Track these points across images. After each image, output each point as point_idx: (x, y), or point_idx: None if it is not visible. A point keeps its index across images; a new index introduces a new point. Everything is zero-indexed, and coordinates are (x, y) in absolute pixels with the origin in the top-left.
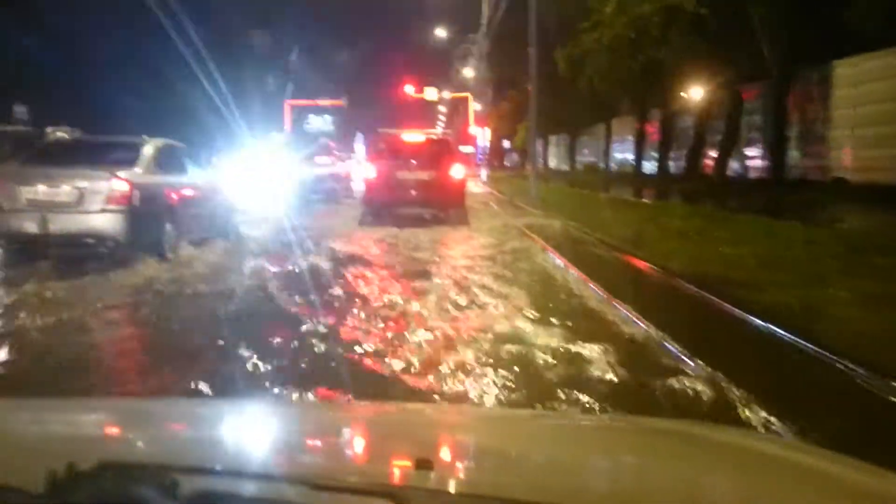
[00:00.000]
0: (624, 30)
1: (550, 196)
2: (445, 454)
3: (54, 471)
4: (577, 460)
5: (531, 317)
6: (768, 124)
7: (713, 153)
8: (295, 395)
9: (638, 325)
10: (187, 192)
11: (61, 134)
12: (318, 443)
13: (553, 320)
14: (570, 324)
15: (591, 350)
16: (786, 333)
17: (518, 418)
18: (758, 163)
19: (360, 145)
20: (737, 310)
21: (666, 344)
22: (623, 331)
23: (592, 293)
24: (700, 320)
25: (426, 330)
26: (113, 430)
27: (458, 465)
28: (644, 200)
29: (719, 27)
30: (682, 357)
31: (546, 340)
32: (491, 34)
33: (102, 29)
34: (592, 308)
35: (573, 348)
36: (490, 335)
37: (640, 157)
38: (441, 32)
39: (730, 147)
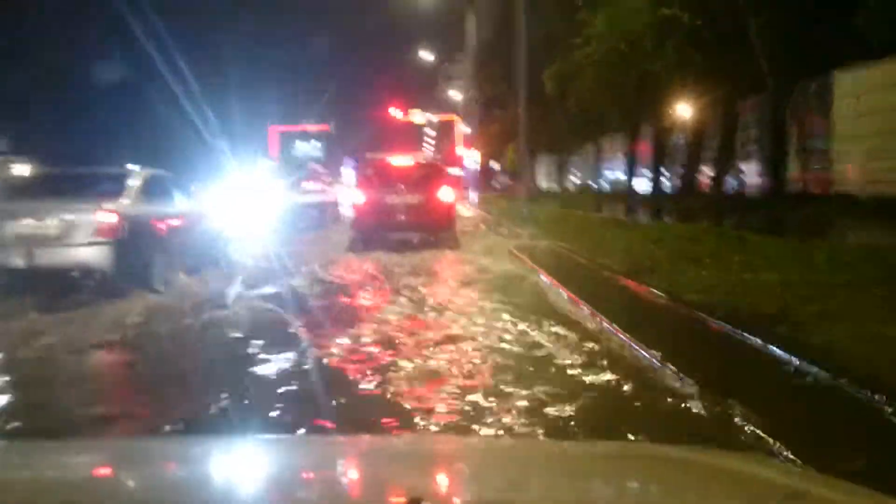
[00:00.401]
0: (617, 43)
1: (544, 217)
2: (437, 489)
3: None
4: (573, 491)
5: (544, 373)
6: (766, 138)
7: (708, 169)
8: (284, 432)
9: (682, 384)
10: (176, 222)
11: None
12: (309, 479)
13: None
14: (594, 385)
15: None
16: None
17: (509, 448)
18: (755, 178)
19: (348, 170)
20: (795, 359)
21: (737, 421)
22: (663, 392)
23: (612, 335)
24: (755, 373)
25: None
26: (103, 472)
27: (451, 499)
28: (642, 220)
29: (715, 39)
30: (760, 436)
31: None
32: (477, 54)
33: (85, 60)
34: (616, 354)
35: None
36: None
37: (632, 175)
38: (427, 55)
39: (726, 162)
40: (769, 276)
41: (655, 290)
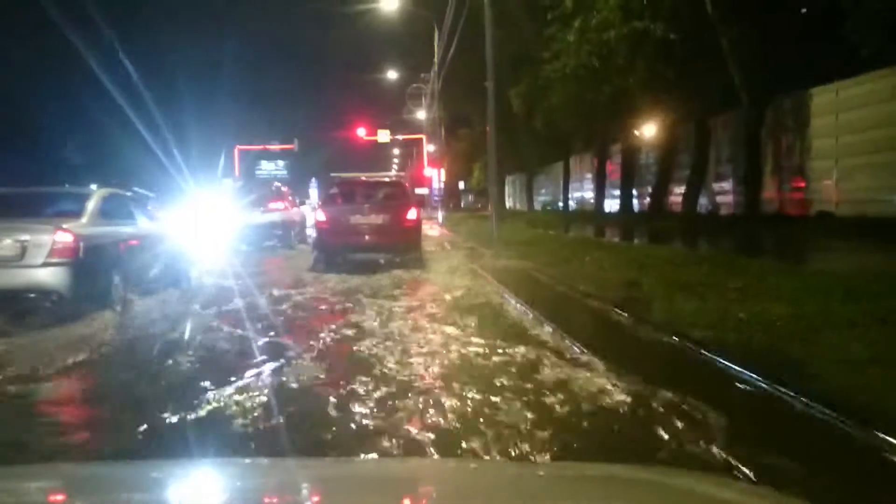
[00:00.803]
0: (588, 58)
1: (514, 237)
2: None
3: None
4: None
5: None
6: (740, 156)
7: (679, 189)
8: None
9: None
10: (136, 242)
11: None
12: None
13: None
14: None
15: None
16: None
17: (481, 470)
18: (728, 198)
19: (314, 190)
20: (857, 429)
21: None
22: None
23: (610, 387)
24: (806, 441)
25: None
26: (58, 498)
27: None
28: (616, 241)
29: (687, 53)
30: None
31: None
32: (443, 74)
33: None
34: (626, 418)
35: None
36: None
37: (601, 194)
38: (393, 74)
39: (699, 181)
40: (776, 307)
41: (648, 323)
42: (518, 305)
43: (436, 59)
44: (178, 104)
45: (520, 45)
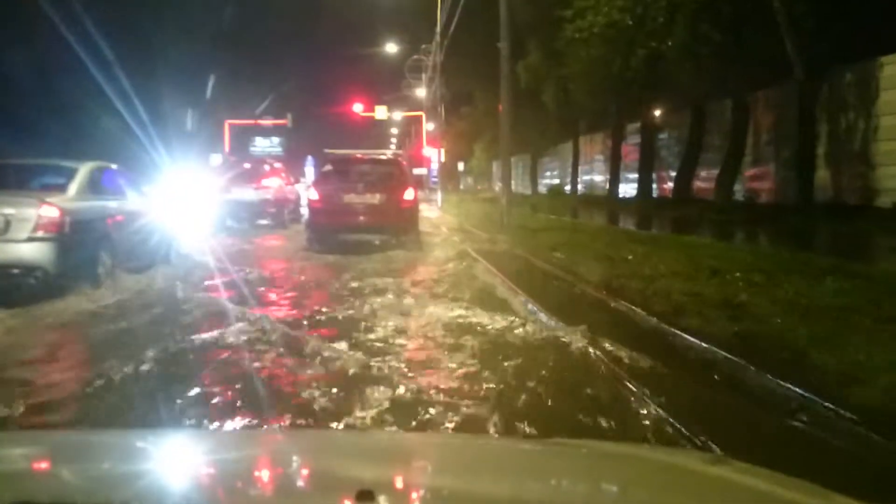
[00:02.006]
0: (620, 15)
1: (527, 224)
2: (388, 484)
3: None
4: (527, 487)
5: None
6: (784, 137)
7: (705, 173)
8: (227, 424)
9: None
10: (124, 218)
11: None
12: (254, 474)
13: None
14: None
15: None
16: None
17: (463, 444)
18: (766, 184)
19: (310, 168)
20: None
21: None
22: None
23: None
24: None
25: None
26: (36, 465)
27: (402, 496)
28: (654, 233)
29: (734, 15)
30: None
31: None
32: (445, 46)
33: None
34: None
35: None
36: None
37: (615, 178)
38: (392, 48)
39: (735, 165)
40: None
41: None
42: (597, 354)
43: (438, 29)
44: (165, 78)
45: (530, 12)
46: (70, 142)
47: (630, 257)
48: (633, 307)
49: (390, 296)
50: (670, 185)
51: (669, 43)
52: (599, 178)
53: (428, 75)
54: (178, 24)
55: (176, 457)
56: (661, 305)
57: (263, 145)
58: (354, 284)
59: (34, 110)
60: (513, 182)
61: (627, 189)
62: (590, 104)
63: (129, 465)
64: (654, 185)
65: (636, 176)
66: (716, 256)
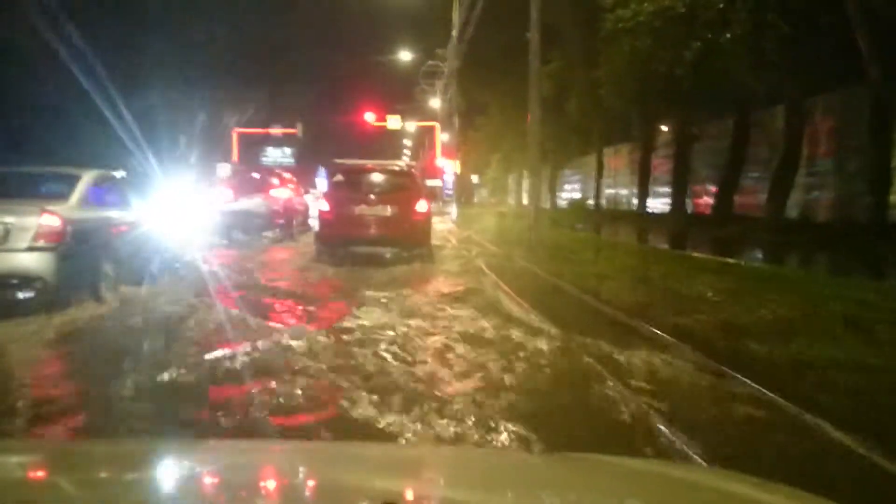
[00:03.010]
0: (672, 1)
1: (559, 242)
2: (412, 495)
3: None
4: (547, 500)
5: None
6: (848, 148)
7: (750, 186)
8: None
9: None
10: (128, 228)
11: None
12: (279, 485)
13: None
14: None
15: None
16: None
17: (485, 458)
18: (824, 200)
19: (321, 179)
20: None
21: None
22: None
23: None
24: None
25: None
26: (38, 474)
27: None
28: (709, 255)
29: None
30: None
31: None
32: (462, 53)
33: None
34: None
35: None
36: None
37: (644, 192)
38: (406, 55)
39: (789, 179)
40: None
41: None
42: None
43: (454, 33)
44: (173, 85)
45: (554, 14)
46: (72, 151)
47: (711, 295)
48: (820, 420)
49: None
50: (706, 199)
51: (728, 35)
52: (624, 191)
53: (443, 81)
54: (182, 33)
55: (196, 468)
56: (840, 405)
57: (275, 156)
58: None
59: (35, 121)
60: (526, 195)
61: (656, 204)
62: (622, 109)
63: (152, 475)
64: (687, 200)
65: (666, 190)
66: (828, 296)
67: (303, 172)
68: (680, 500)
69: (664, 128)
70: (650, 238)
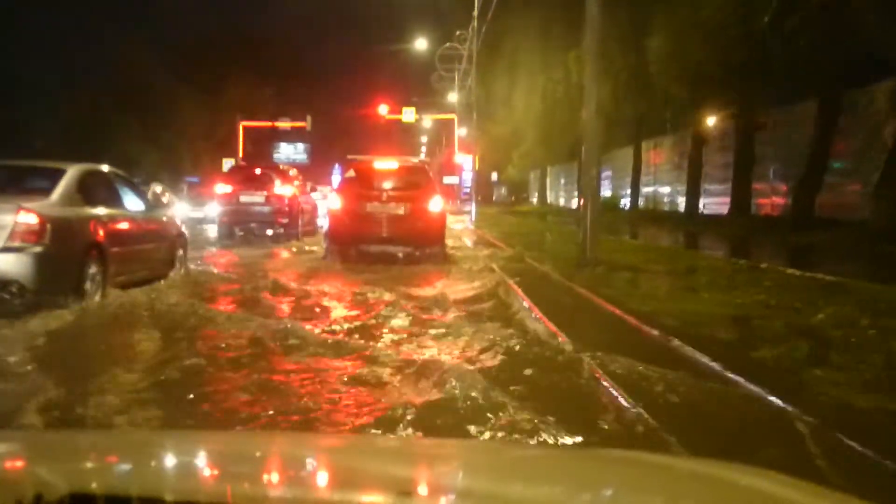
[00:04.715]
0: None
1: (628, 262)
2: (427, 486)
3: (20, 502)
4: (562, 494)
5: None
6: None
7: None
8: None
9: None
10: (120, 226)
11: None
12: (294, 475)
13: None
14: None
15: None
16: None
17: (500, 450)
18: None
19: (337, 177)
20: None
21: None
22: None
23: None
24: None
25: None
26: (83, 463)
27: (441, 497)
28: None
29: None
30: None
31: None
32: (481, 37)
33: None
34: None
35: None
36: None
37: (694, 190)
38: (423, 43)
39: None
40: None
41: None
42: None
43: (475, 13)
44: (179, 75)
45: None
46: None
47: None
48: None
49: None
50: (774, 199)
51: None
52: (665, 189)
53: (462, 66)
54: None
55: (205, 459)
56: None
57: (288, 152)
58: None
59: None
60: (551, 193)
61: (707, 204)
62: (674, 92)
63: (167, 463)
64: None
65: (718, 188)
66: None
67: (318, 170)
68: (713, 498)
69: (709, 119)
70: (746, 251)
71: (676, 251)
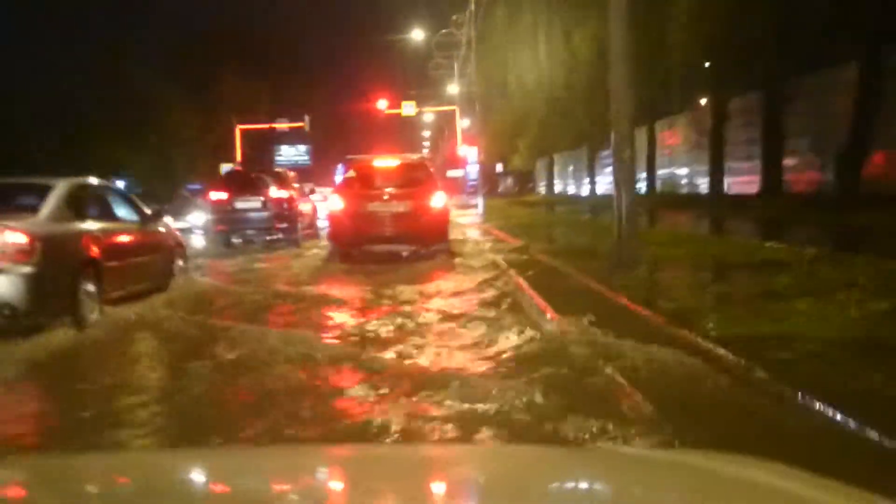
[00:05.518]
0: None
1: (665, 251)
2: (435, 497)
3: None
4: (571, 497)
5: None
6: None
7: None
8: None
9: None
10: (113, 240)
11: None
12: (292, 491)
13: None
14: None
15: None
16: None
17: (506, 455)
18: None
19: (340, 177)
20: None
21: None
22: None
23: None
24: None
25: None
26: (84, 486)
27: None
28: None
29: None
30: None
31: None
32: (478, 17)
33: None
34: None
35: None
36: None
37: (717, 169)
38: (420, 33)
39: None
40: None
41: None
42: None
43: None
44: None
45: None
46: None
47: None
48: None
49: None
50: (810, 175)
51: None
52: (683, 171)
53: (461, 53)
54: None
55: (212, 474)
56: None
57: (290, 154)
58: None
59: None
60: (561, 183)
61: (731, 184)
62: (695, 63)
63: (159, 486)
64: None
65: (743, 166)
66: None
67: (319, 171)
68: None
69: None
70: (784, 234)
71: (719, 240)
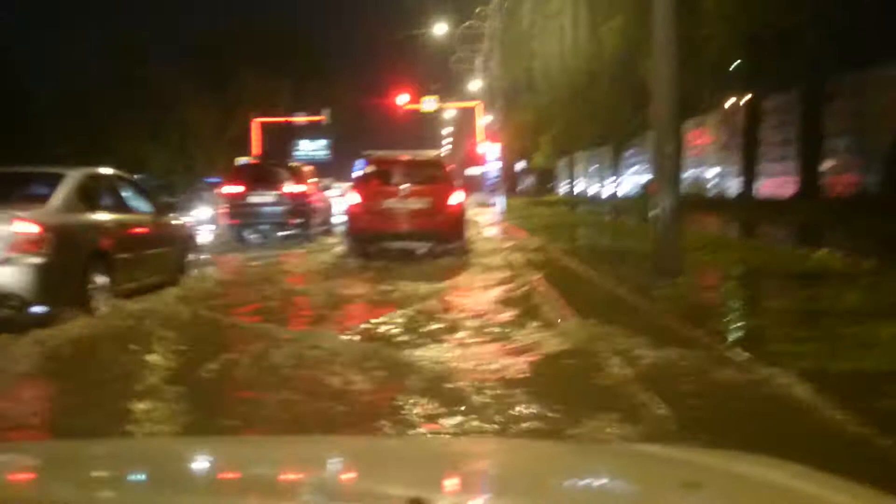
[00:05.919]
0: None
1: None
2: (439, 491)
3: None
4: (579, 491)
5: None
6: None
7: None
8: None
9: None
10: (125, 232)
11: None
12: (302, 480)
13: None
14: None
15: None
16: None
17: (512, 448)
18: None
19: (359, 172)
20: None
21: None
22: None
23: None
24: None
25: None
26: (94, 472)
27: (451, 499)
28: None
29: None
30: None
31: None
32: (503, 17)
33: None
34: None
35: None
36: None
37: (750, 170)
38: (442, 27)
39: None
40: None
41: None
42: None
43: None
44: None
45: None
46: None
47: None
48: None
49: None
50: (849, 178)
51: None
52: (711, 172)
53: (484, 46)
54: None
55: (218, 464)
56: None
57: (308, 149)
58: None
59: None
60: (583, 183)
61: (762, 186)
62: (730, 56)
63: (169, 472)
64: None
65: (776, 167)
66: None
67: (339, 166)
68: (722, 490)
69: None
70: (832, 241)
71: (760, 246)
